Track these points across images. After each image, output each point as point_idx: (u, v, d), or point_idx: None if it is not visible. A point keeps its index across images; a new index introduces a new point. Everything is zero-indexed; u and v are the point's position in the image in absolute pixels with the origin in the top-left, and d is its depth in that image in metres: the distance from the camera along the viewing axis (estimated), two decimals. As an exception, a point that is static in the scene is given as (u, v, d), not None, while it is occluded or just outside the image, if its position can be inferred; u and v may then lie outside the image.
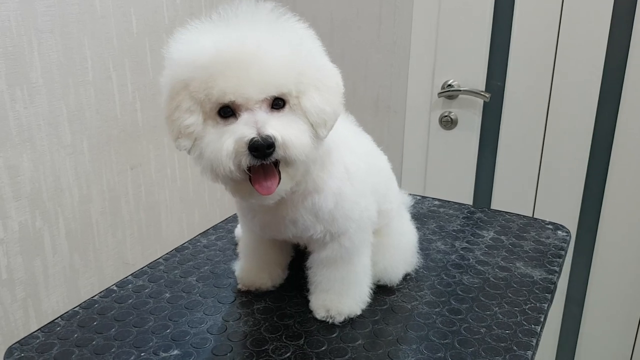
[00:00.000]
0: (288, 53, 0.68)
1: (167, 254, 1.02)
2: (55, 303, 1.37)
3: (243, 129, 0.65)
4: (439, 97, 1.76)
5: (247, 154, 0.65)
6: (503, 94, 1.69)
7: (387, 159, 0.93)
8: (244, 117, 0.66)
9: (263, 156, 0.65)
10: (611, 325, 1.74)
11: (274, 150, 0.65)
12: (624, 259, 1.67)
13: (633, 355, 1.74)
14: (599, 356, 1.79)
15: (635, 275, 1.67)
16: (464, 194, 1.81)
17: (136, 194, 1.56)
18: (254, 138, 0.64)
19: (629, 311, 1.71)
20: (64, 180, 1.34)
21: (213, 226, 1.13)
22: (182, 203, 1.73)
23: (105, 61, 1.40)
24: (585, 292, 1.75)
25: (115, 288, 0.91)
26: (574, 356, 1.83)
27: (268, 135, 0.64)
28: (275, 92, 0.67)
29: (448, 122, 1.77)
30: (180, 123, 0.68)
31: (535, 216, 1.72)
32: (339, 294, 0.83)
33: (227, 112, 0.68)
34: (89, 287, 1.45)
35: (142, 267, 0.98)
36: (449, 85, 1.74)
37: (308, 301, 0.86)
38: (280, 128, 0.66)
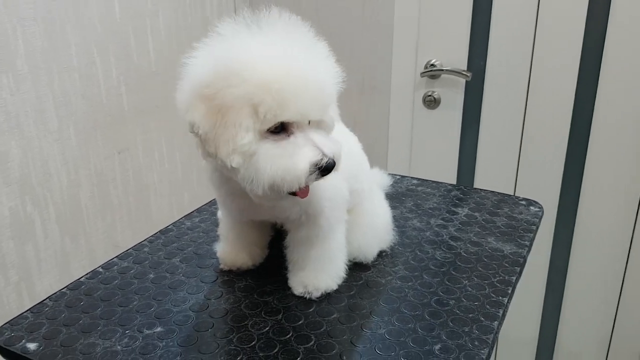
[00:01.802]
0: (333, 77, 0.73)
1: (151, 236, 1.05)
2: (49, 286, 1.40)
3: (312, 151, 0.71)
4: (422, 76, 1.78)
5: (317, 173, 0.71)
6: (484, 73, 1.72)
7: (357, 140, 0.96)
8: (301, 136, 0.71)
9: (328, 174, 0.72)
10: (593, 295, 1.80)
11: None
12: (604, 231, 1.71)
13: (615, 324, 1.80)
14: (582, 326, 1.85)
15: (615, 246, 1.71)
16: (448, 173, 1.85)
17: (124, 178, 1.59)
18: (328, 160, 0.71)
19: (610, 281, 1.76)
20: (52, 165, 1.37)
21: (197, 209, 1.16)
22: (170, 186, 1.76)
23: (89, 47, 1.42)
24: (567, 264, 1.80)
25: (101, 270, 0.95)
26: (557, 327, 1.89)
27: (333, 158, 0.71)
28: (325, 114, 0.74)
29: (431, 102, 1.80)
30: (237, 141, 0.68)
31: (516, 193, 1.76)
32: (316, 271, 0.87)
33: (279, 127, 0.71)
34: (80, 270, 1.48)
35: (127, 249, 1.01)
36: (432, 65, 1.77)
37: (287, 279, 0.90)
38: (331, 146, 0.73)
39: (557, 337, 1.90)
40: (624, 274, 1.73)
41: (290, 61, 0.69)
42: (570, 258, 1.79)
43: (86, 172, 1.47)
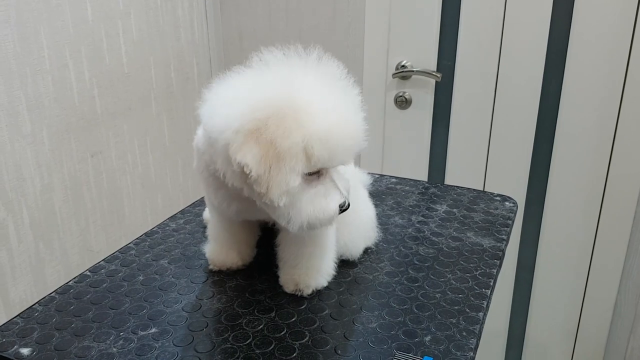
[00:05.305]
0: (364, 124, 0.78)
1: (137, 238, 1.05)
2: (23, 292, 1.38)
3: (337, 194, 0.78)
4: (394, 77, 1.82)
5: (339, 212, 0.79)
6: (453, 73, 1.77)
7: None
8: (329, 179, 0.78)
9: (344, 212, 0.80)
10: (560, 288, 1.87)
11: None
12: (570, 225, 1.79)
13: (581, 316, 1.88)
14: (550, 317, 1.92)
15: (581, 241, 1.79)
16: (420, 171, 1.89)
17: (98, 182, 1.57)
18: (348, 203, 0.79)
19: (576, 275, 1.83)
20: (25, 169, 1.34)
21: (181, 210, 1.17)
22: (144, 189, 1.75)
23: (61, 49, 1.40)
24: (535, 258, 1.87)
25: (88, 273, 0.94)
26: (526, 319, 1.96)
27: (348, 200, 0.79)
28: None
29: (403, 102, 1.84)
30: (289, 184, 0.72)
31: (486, 188, 1.82)
32: (307, 269, 0.88)
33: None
34: (55, 275, 1.46)
35: (113, 252, 1.01)
36: (403, 66, 1.80)
37: (277, 277, 0.91)
38: (345, 185, 0.80)
39: (527, 328, 1.97)
40: (589, 268, 1.81)
41: (344, 114, 0.74)
42: (538, 252, 1.86)
43: (59, 175, 1.44)
